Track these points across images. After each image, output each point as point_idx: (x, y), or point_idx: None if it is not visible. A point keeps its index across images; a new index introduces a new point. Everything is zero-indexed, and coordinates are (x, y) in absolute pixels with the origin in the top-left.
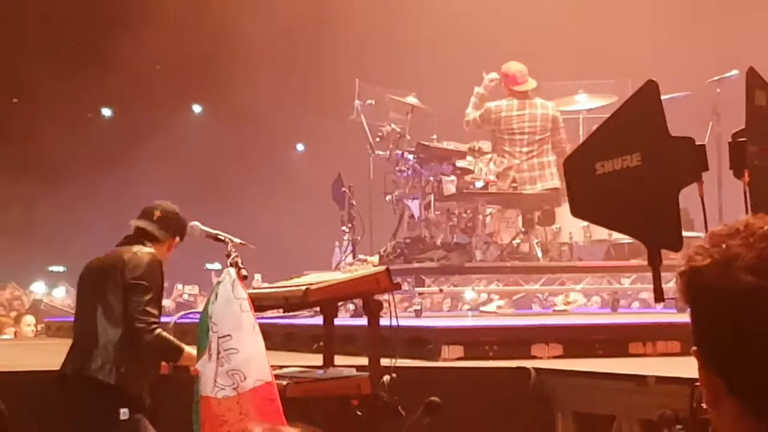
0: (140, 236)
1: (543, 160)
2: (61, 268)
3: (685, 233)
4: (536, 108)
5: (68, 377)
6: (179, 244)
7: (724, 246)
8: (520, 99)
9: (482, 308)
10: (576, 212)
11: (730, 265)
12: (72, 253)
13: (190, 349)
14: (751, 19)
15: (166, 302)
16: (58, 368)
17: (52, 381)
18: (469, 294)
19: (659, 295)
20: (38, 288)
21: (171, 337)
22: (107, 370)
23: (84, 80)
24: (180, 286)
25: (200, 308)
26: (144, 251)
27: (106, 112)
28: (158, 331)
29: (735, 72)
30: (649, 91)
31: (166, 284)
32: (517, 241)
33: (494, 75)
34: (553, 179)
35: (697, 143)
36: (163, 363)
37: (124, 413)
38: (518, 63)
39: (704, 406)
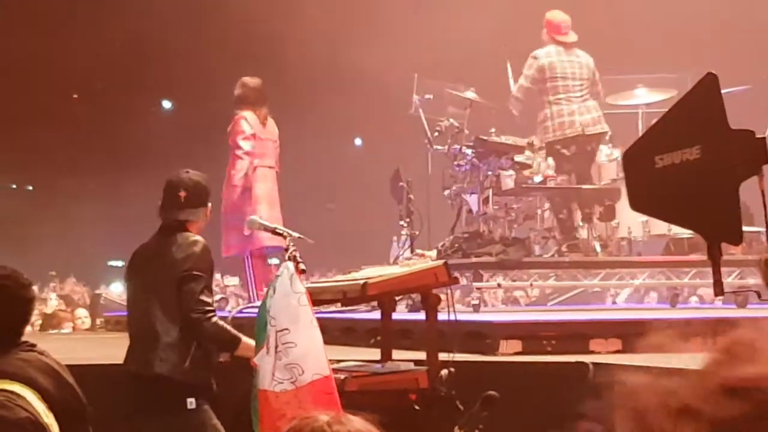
0: (177, 220)
1: (594, 103)
2: (120, 263)
3: (744, 228)
4: (580, 57)
5: (133, 375)
6: None
7: None
8: (565, 47)
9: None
10: (635, 206)
11: None
12: (132, 248)
13: (248, 340)
14: None
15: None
16: (118, 362)
17: (117, 374)
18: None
19: (719, 289)
20: (115, 288)
21: (228, 327)
22: (171, 367)
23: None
24: (218, 276)
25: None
26: (192, 239)
27: (166, 104)
28: (215, 319)
29: None
30: (709, 84)
31: None
32: (577, 236)
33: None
34: (602, 123)
35: (758, 136)
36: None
37: (191, 403)
38: (562, 12)
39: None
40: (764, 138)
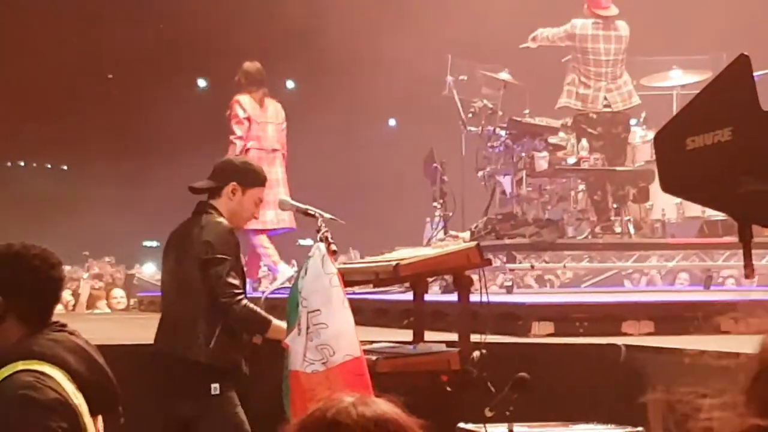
0: (204, 202)
1: (625, 78)
2: (155, 243)
3: None
4: (619, 31)
5: (159, 355)
6: (255, 192)
7: None
8: (604, 21)
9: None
10: (667, 188)
11: None
12: (168, 228)
13: (279, 322)
14: None
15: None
16: (150, 342)
17: (146, 355)
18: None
19: (750, 271)
20: (148, 268)
21: (258, 309)
22: (196, 348)
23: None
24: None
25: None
26: (214, 221)
27: (201, 83)
28: (244, 302)
29: None
30: (741, 66)
31: None
32: (611, 217)
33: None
34: (633, 96)
35: None
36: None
37: (215, 388)
38: None
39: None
40: None
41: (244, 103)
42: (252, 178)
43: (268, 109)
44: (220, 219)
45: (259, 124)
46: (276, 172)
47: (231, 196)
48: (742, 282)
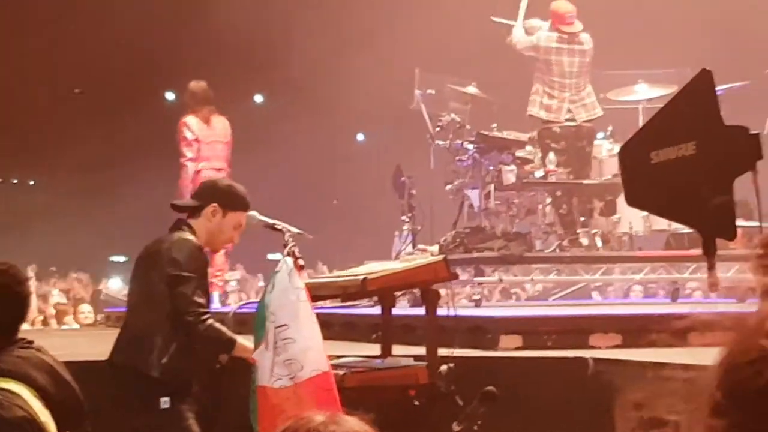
0: (182, 220)
1: (589, 90)
2: (122, 258)
3: (745, 223)
4: (583, 45)
5: (114, 366)
6: (236, 216)
7: None
8: (569, 36)
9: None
10: (631, 201)
11: None
12: (135, 243)
13: (244, 341)
14: None
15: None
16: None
17: (102, 369)
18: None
19: (714, 284)
20: (114, 284)
21: (223, 328)
22: (151, 361)
23: (148, 67)
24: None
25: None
26: (182, 238)
27: (170, 96)
28: (209, 321)
29: None
30: (704, 80)
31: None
32: (578, 231)
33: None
34: (596, 108)
35: (752, 132)
36: None
37: (164, 402)
38: (568, 3)
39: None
40: (758, 134)
41: (191, 124)
42: (234, 201)
43: (216, 128)
44: (190, 237)
45: (209, 143)
46: None
47: (210, 217)
48: (709, 294)
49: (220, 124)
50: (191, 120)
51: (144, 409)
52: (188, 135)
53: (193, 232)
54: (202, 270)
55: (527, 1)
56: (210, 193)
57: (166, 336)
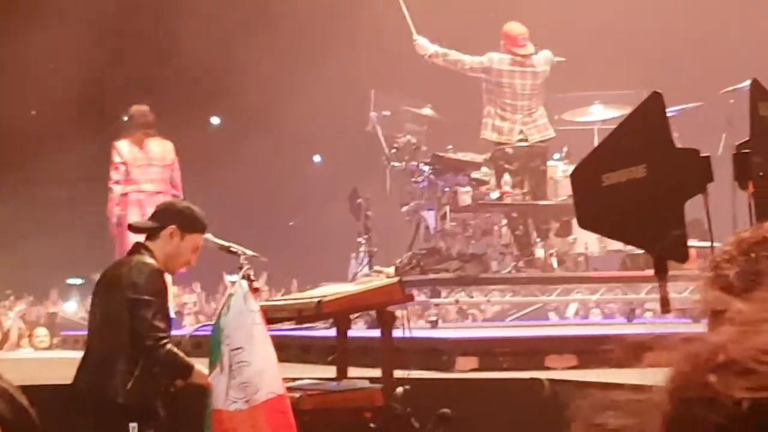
0: (140, 243)
1: (541, 111)
2: (79, 281)
3: (698, 243)
4: (536, 67)
5: (78, 391)
6: (194, 238)
7: (752, 255)
8: (521, 58)
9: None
10: (583, 224)
11: (759, 278)
12: (91, 266)
13: (201, 368)
14: (763, 30)
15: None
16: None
17: (65, 394)
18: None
19: (666, 306)
20: (69, 307)
21: (181, 354)
22: (115, 386)
23: (104, 85)
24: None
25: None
26: (142, 261)
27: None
28: (168, 346)
29: (748, 83)
30: (654, 103)
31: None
32: (534, 251)
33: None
34: (548, 129)
35: (703, 154)
36: None
37: (133, 428)
38: (520, 25)
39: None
40: (709, 156)
41: (120, 148)
42: (192, 223)
43: (152, 151)
44: (149, 260)
45: (139, 167)
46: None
47: (169, 239)
48: (665, 315)
49: (158, 147)
50: (121, 144)
51: None
52: (116, 158)
53: (152, 255)
54: (162, 293)
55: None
56: (168, 215)
57: (129, 360)
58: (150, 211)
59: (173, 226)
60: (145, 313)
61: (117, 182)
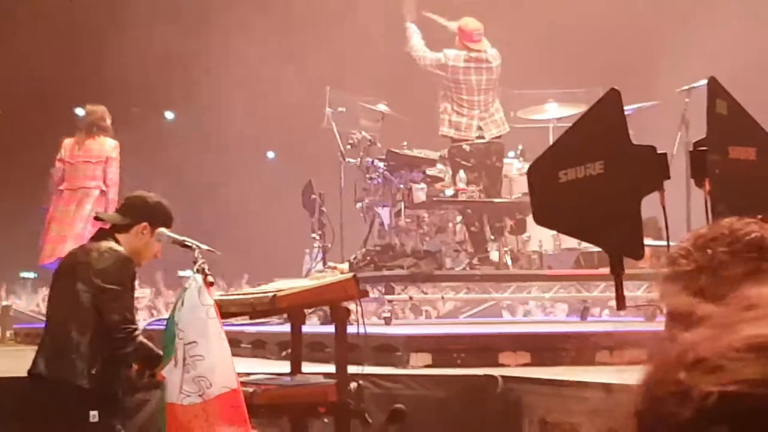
0: (105, 230)
1: (497, 105)
2: (32, 275)
3: (654, 242)
4: (490, 63)
5: (39, 378)
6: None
7: (709, 251)
8: (476, 54)
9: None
10: (539, 220)
11: (716, 274)
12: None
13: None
14: (720, 29)
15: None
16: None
17: (23, 385)
18: None
19: (621, 303)
20: (23, 300)
21: (151, 345)
22: (79, 372)
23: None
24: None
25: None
26: (111, 248)
27: (80, 112)
28: (140, 338)
29: (704, 82)
30: (612, 100)
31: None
32: (488, 249)
33: (453, 26)
34: (504, 124)
35: (660, 151)
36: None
37: (93, 416)
38: (475, 21)
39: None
40: (665, 153)
41: (64, 145)
42: (163, 219)
43: (90, 149)
44: (118, 248)
45: (73, 164)
46: (84, 208)
47: (140, 235)
48: (618, 314)
49: (96, 146)
50: (66, 142)
51: (72, 422)
52: (58, 156)
53: (119, 245)
54: (131, 282)
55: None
56: (140, 211)
57: (94, 346)
58: (86, 207)
59: (145, 223)
60: (116, 304)
61: (52, 178)
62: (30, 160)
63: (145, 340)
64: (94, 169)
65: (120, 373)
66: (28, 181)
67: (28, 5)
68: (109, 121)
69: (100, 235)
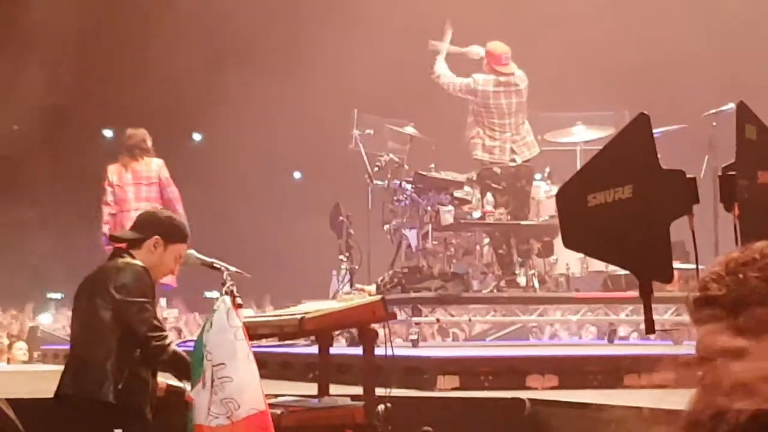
0: (121, 248)
1: (527, 126)
2: (59, 295)
3: (681, 266)
4: (519, 85)
5: (65, 397)
6: (177, 247)
7: (740, 276)
8: (505, 78)
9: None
10: (568, 244)
11: (745, 301)
12: (70, 279)
13: None
14: (749, 53)
15: None
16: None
17: (49, 405)
18: None
19: (650, 327)
20: (44, 319)
21: (183, 352)
22: (105, 388)
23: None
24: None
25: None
26: (128, 263)
27: (108, 133)
28: (173, 347)
29: (731, 105)
30: (641, 124)
31: None
32: (516, 271)
33: (480, 51)
34: (535, 146)
35: (688, 176)
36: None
37: None
38: (503, 44)
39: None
40: (695, 178)
41: (110, 171)
42: (175, 233)
43: (137, 171)
44: (136, 261)
45: (122, 188)
46: None
47: (153, 249)
48: (646, 336)
49: (143, 167)
50: (111, 168)
51: None
52: (105, 181)
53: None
54: (151, 293)
55: (450, 33)
56: (151, 226)
57: (118, 362)
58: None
59: (157, 237)
60: (143, 315)
61: (106, 203)
62: (44, 180)
63: (177, 348)
64: (147, 190)
65: (146, 387)
66: (53, 198)
67: (51, 25)
68: (150, 143)
69: (115, 254)
